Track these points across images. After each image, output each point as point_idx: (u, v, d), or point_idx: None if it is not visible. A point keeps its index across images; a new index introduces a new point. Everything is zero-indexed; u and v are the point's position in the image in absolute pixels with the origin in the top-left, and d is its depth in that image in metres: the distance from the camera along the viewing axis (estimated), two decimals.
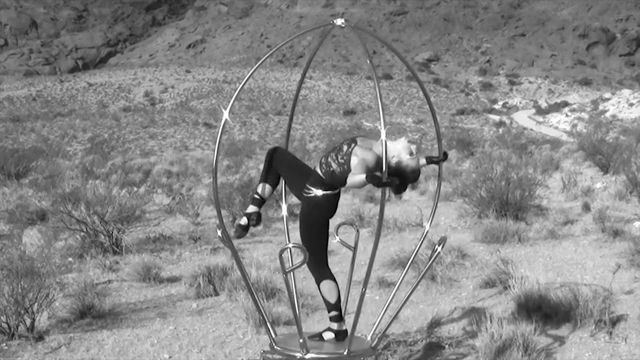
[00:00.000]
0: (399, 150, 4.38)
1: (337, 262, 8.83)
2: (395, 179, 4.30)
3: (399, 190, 4.51)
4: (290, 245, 4.30)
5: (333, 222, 4.74)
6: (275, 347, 4.44)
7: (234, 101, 4.29)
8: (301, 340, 4.26)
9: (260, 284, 6.88)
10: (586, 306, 5.76)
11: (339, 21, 4.54)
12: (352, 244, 5.15)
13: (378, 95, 4.15)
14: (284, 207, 5.11)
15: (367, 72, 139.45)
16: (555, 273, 7.58)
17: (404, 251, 8.38)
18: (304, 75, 4.92)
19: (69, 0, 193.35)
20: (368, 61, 4.33)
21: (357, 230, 5.26)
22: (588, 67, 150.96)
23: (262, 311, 4.64)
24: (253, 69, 4.39)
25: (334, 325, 4.66)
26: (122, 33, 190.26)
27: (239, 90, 4.40)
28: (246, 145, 42.83)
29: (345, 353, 4.31)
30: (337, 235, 5.16)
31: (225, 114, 4.22)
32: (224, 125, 4.27)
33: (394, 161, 4.37)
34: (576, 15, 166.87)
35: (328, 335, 4.66)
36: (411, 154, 4.37)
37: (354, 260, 5.13)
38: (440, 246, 4.72)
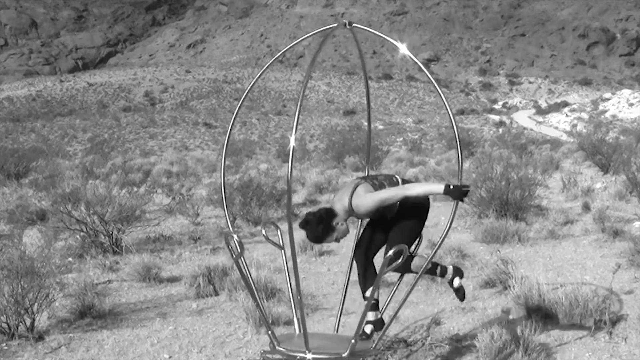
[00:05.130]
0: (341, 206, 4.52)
1: (337, 262, 8.85)
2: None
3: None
4: (391, 252, 4.26)
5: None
6: (278, 347, 4.43)
7: (297, 124, 4.12)
8: (353, 341, 4.28)
9: (260, 284, 6.88)
10: (586, 306, 5.76)
11: (345, 22, 4.54)
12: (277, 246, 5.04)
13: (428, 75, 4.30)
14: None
15: (367, 72, 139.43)
16: (555, 273, 7.59)
17: None
18: (307, 78, 4.75)
19: (69, 0, 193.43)
20: (412, 62, 4.37)
21: (279, 230, 5.14)
22: (588, 67, 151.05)
23: (265, 314, 4.64)
24: (305, 82, 4.27)
25: (370, 316, 4.69)
26: (122, 33, 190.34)
27: (298, 114, 4.23)
28: (246, 145, 42.81)
29: (346, 354, 4.30)
30: (264, 230, 5.00)
31: (292, 140, 4.12)
32: (293, 152, 4.14)
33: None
34: (576, 15, 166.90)
35: (369, 328, 4.70)
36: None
37: (286, 259, 5.03)
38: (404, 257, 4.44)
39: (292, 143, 4.10)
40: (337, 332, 5.14)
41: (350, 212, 4.51)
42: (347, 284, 5.22)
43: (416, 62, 4.46)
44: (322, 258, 9.11)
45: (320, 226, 4.43)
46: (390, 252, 4.23)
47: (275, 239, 4.97)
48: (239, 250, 4.48)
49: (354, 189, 4.51)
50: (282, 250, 5.00)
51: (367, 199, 4.46)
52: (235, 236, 4.57)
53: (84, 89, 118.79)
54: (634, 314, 5.91)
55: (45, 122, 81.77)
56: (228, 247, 4.61)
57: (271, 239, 4.90)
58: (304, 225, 4.47)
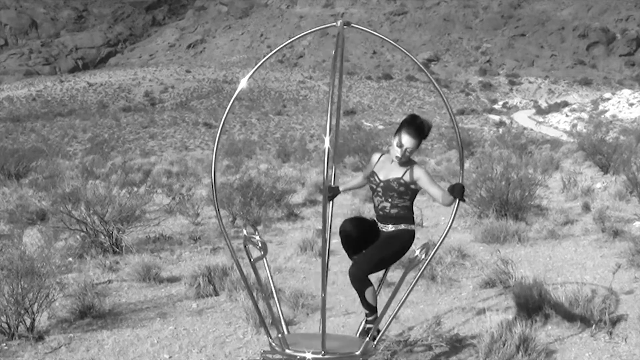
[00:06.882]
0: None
1: (337, 262, 8.83)
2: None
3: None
4: (417, 252, 4.29)
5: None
6: (282, 349, 4.43)
7: (330, 125, 4.08)
8: (367, 339, 4.40)
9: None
10: (586, 306, 5.76)
11: (339, 22, 4.55)
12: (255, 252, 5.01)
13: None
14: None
15: (367, 72, 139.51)
16: (555, 273, 7.59)
17: None
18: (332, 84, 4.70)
19: (69, 0, 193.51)
20: (412, 62, 4.35)
21: (258, 233, 5.11)
22: (588, 67, 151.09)
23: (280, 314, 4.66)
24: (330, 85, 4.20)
25: (377, 326, 4.72)
26: (122, 33, 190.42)
27: (330, 115, 4.20)
28: (246, 145, 42.80)
29: (358, 352, 4.32)
30: (245, 229, 4.98)
31: (327, 142, 4.08)
32: (329, 153, 4.10)
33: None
34: (576, 15, 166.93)
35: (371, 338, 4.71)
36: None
37: (268, 263, 5.00)
38: (423, 253, 4.42)
39: (327, 144, 4.08)
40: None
41: (412, 150, 4.76)
42: (325, 284, 5.21)
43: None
44: None
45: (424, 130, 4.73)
46: (417, 252, 4.26)
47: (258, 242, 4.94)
48: (262, 252, 4.49)
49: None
50: (263, 253, 5.00)
51: (427, 172, 4.83)
52: (257, 238, 4.54)
53: (84, 89, 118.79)
54: (634, 314, 5.92)
55: (45, 122, 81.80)
56: (246, 248, 4.59)
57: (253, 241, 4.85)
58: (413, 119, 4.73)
